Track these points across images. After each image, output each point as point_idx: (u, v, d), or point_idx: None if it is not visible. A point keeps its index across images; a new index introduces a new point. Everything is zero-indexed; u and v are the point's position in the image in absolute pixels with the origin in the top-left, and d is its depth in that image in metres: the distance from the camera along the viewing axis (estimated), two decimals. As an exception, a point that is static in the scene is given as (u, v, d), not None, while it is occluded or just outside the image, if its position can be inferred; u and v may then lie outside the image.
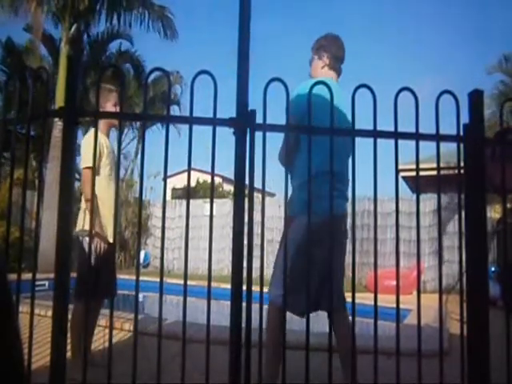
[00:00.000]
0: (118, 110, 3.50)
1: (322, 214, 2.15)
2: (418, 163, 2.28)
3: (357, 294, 2.19)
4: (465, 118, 2.28)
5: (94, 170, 2.23)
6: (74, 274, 2.51)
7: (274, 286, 2.60)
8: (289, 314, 2.37)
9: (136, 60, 15.29)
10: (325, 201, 2.13)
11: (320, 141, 2.14)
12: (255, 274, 2.08)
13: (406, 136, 2.24)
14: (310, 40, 2.94)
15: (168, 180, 2.28)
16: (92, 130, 3.24)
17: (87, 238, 3.15)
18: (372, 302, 2.17)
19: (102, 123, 3.43)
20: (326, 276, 2.37)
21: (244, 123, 2.13)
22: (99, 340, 3.57)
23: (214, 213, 2.18)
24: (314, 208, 2.10)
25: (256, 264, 2.10)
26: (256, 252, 2.12)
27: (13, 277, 1.74)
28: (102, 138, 3.46)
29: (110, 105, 3.47)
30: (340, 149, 2.18)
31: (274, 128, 2.20)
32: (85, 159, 3.29)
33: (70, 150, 2.09)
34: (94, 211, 2.25)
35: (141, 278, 2.14)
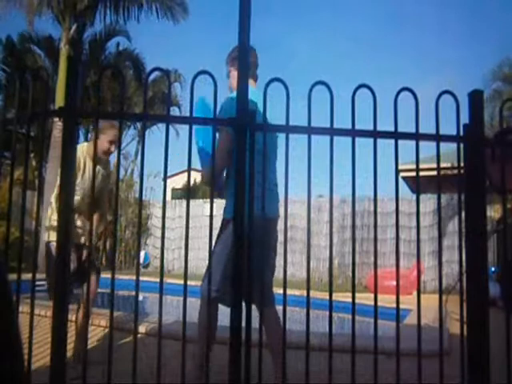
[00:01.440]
0: (112, 147, 3.49)
1: (256, 217, 2.15)
2: (418, 163, 2.28)
3: (357, 294, 2.19)
4: (465, 118, 2.28)
5: (95, 166, 2.22)
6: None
7: (206, 281, 2.63)
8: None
9: (135, 58, 15.27)
10: (258, 205, 2.14)
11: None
12: (255, 274, 2.08)
13: (406, 136, 2.23)
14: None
15: (168, 180, 2.28)
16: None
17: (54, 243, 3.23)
18: (372, 302, 2.17)
19: (89, 148, 3.43)
20: (256, 274, 2.46)
21: (244, 123, 2.13)
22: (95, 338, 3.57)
23: (214, 213, 2.18)
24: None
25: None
26: (256, 252, 2.12)
27: (13, 277, 1.74)
28: (87, 160, 3.46)
29: (104, 137, 3.40)
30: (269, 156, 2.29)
31: (274, 128, 2.20)
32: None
33: (69, 150, 2.09)
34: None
35: (141, 278, 2.14)
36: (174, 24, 12.96)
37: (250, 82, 2.77)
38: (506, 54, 14.09)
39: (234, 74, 2.92)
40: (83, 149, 3.47)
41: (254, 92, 2.60)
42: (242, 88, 2.14)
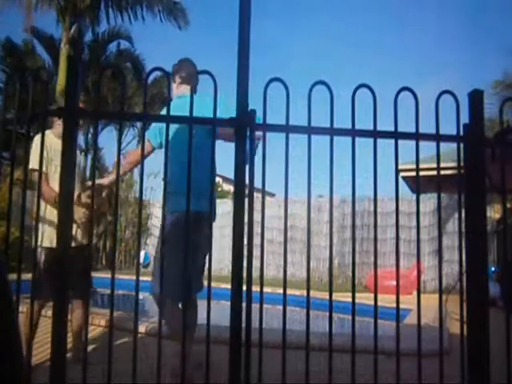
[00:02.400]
0: None
1: (183, 211, 2.26)
2: (418, 163, 2.28)
3: (357, 294, 2.19)
4: (465, 119, 2.28)
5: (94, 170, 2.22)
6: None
7: (154, 279, 2.94)
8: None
9: (136, 59, 15.30)
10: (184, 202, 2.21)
11: (176, 158, 2.32)
12: (255, 274, 2.08)
13: (406, 136, 2.24)
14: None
15: (168, 180, 2.28)
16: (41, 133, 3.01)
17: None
18: (372, 302, 2.17)
19: (58, 124, 3.17)
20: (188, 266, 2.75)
21: (244, 123, 2.13)
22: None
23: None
24: (180, 207, 2.26)
25: (256, 264, 2.10)
26: (256, 252, 2.12)
27: (13, 277, 1.74)
28: (52, 140, 3.21)
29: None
30: (197, 163, 2.27)
31: (274, 128, 2.20)
32: (31, 161, 3.03)
33: (69, 150, 2.09)
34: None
35: (141, 278, 2.14)
36: (177, 28, 13.05)
37: (188, 88, 3.08)
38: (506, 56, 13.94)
39: (173, 86, 3.26)
40: (49, 137, 3.07)
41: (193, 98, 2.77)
42: (242, 88, 2.13)
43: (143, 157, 2.32)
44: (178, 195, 2.45)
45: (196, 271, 2.96)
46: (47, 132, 2.76)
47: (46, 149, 2.40)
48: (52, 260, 3.01)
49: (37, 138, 3.05)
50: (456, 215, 2.42)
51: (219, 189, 20.38)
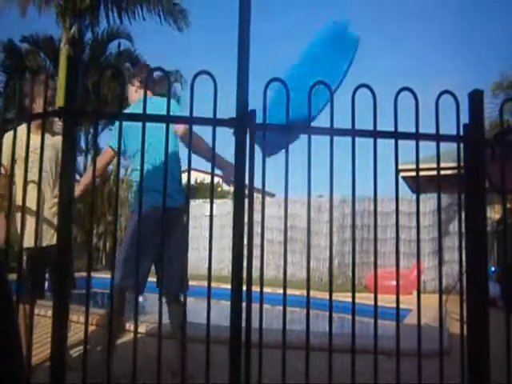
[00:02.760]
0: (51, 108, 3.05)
1: (148, 208, 2.57)
2: (418, 163, 2.28)
3: (357, 294, 2.19)
4: (465, 119, 2.28)
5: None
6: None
7: (116, 270, 2.84)
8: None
9: (136, 59, 15.31)
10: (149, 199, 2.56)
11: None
12: (255, 273, 2.08)
13: (406, 136, 2.24)
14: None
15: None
16: (11, 132, 2.52)
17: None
18: (372, 302, 2.17)
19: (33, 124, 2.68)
20: (159, 261, 2.80)
21: (244, 123, 2.13)
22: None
23: (214, 213, 2.18)
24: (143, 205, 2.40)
25: (256, 264, 2.10)
26: (256, 252, 2.12)
27: (13, 277, 1.74)
28: (24, 138, 2.56)
29: (41, 101, 2.56)
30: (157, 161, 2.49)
31: (274, 128, 2.20)
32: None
33: (69, 150, 2.09)
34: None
35: (141, 278, 2.14)
36: (178, 30, 13.08)
37: (147, 92, 3.06)
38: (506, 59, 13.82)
39: (131, 89, 3.30)
40: (21, 133, 2.52)
41: (155, 100, 2.99)
42: (242, 88, 2.13)
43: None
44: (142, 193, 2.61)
45: (172, 268, 2.85)
46: (22, 127, 2.54)
47: (17, 145, 2.31)
48: (29, 260, 2.98)
49: (7, 135, 2.68)
50: (457, 216, 2.42)
51: (219, 189, 20.38)
